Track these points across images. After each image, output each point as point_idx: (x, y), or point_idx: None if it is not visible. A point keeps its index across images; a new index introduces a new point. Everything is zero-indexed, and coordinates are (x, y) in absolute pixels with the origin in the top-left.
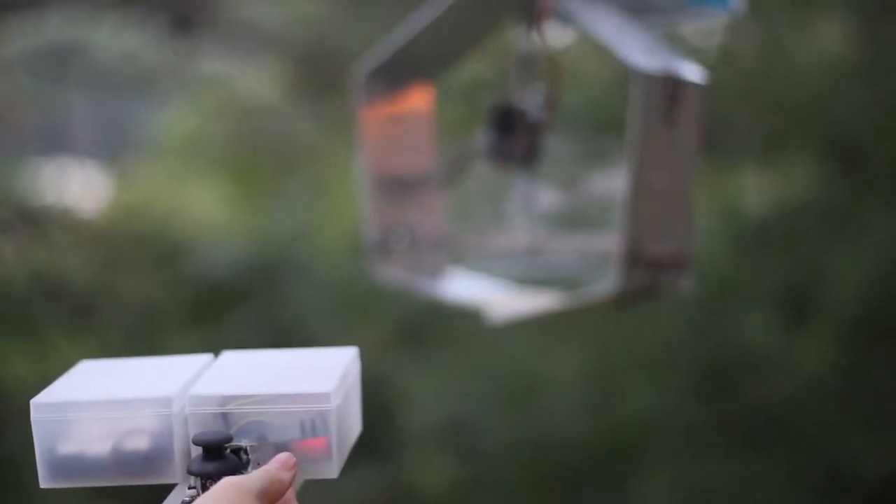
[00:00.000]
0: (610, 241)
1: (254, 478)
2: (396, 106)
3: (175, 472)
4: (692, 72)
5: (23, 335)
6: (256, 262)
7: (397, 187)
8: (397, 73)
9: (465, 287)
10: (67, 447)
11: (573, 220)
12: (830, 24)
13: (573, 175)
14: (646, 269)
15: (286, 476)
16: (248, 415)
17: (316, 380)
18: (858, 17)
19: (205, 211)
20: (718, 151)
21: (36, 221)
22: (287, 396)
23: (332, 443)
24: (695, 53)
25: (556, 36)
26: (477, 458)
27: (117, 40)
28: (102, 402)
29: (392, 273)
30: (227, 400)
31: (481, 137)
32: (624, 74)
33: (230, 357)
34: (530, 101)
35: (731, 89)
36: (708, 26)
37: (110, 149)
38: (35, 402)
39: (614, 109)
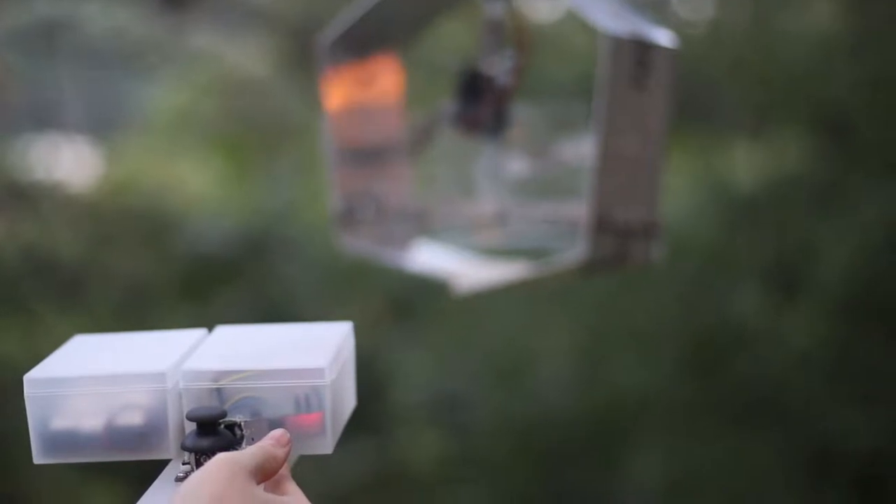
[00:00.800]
0: (579, 209)
1: (248, 454)
2: (361, 74)
3: (169, 448)
4: (662, 36)
5: (13, 311)
6: (247, 238)
7: (363, 157)
8: (362, 41)
9: (432, 258)
10: (61, 423)
11: (543, 188)
12: None
13: (543, 142)
14: (614, 237)
15: (280, 452)
16: (243, 390)
17: (310, 355)
18: None
19: (195, 186)
20: (708, 125)
21: (26, 197)
22: (281, 372)
23: (326, 418)
24: (685, 26)
25: (529, 3)
26: (467, 434)
27: (106, 15)
28: (96, 377)
29: (358, 244)
30: (220, 375)
31: (448, 105)
32: None
33: (224, 332)
34: (498, 67)
35: (721, 63)
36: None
37: (100, 124)
38: (28, 377)
39: None
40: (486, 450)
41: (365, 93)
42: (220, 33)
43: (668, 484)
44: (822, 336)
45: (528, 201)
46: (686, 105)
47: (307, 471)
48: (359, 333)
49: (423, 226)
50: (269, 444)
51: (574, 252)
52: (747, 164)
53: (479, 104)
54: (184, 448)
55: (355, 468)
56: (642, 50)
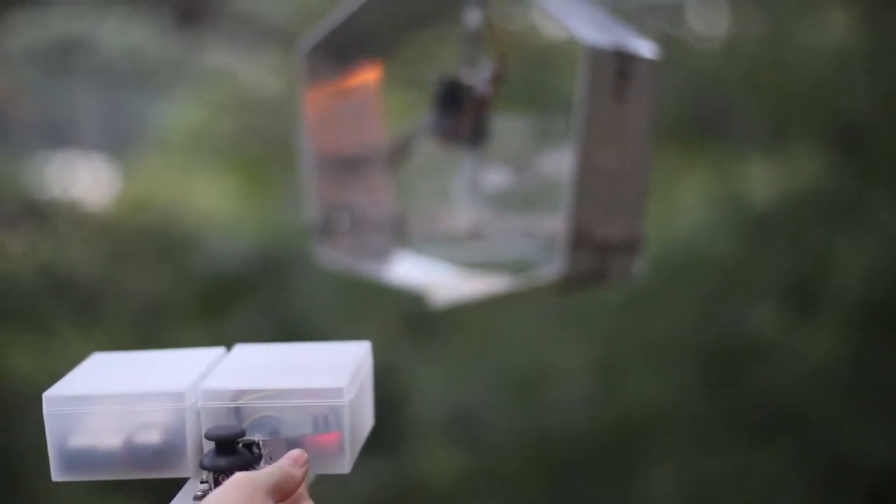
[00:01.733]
0: (557, 223)
1: (266, 474)
2: (341, 83)
3: (187, 467)
4: (644, 47)
5: (30, 328)
6: (262, 255)
7: (341, 167)
8: (341, 50)
9: (410, 270)
10: (79, 440)
11: (523, 201)
12: (836, 12)
13: (524, 154)
14: (593, 252)
15: (298, 473)
16: (261, 409)
17: (329, 375)
18: (863, 6)
19: (211, 204)
20: (724, 140)
21: (42, 215)
22: (300, 391)
23: (344, 438)
24: (700, 41)
25: (507, 10)
26: (483, 449)
27: (123, 34)
28: (115, 395)
29: (335, 256)
30: (239, 394)
31: (428, 115)
32: None
33: (242, 351)
34: (477, 76)
35: (736, 78)
36: (713, 14)
37: (116, 142)
38: (47, 395)
39: None
40: (503, 465)
41: (344, 102)
42: (235, 51)
43: (683, 498)
44: (838, 350)
45: (507, 214)
46: (701, 120)
47: (323, 487)
48: (375, 349)
49: (402, 238)
50: (286, 464)
51: (551, 267)
52: (763, 178)
53: (458, 115)
54: (202, 467)
55: (372, 484)
56: (623, 61)
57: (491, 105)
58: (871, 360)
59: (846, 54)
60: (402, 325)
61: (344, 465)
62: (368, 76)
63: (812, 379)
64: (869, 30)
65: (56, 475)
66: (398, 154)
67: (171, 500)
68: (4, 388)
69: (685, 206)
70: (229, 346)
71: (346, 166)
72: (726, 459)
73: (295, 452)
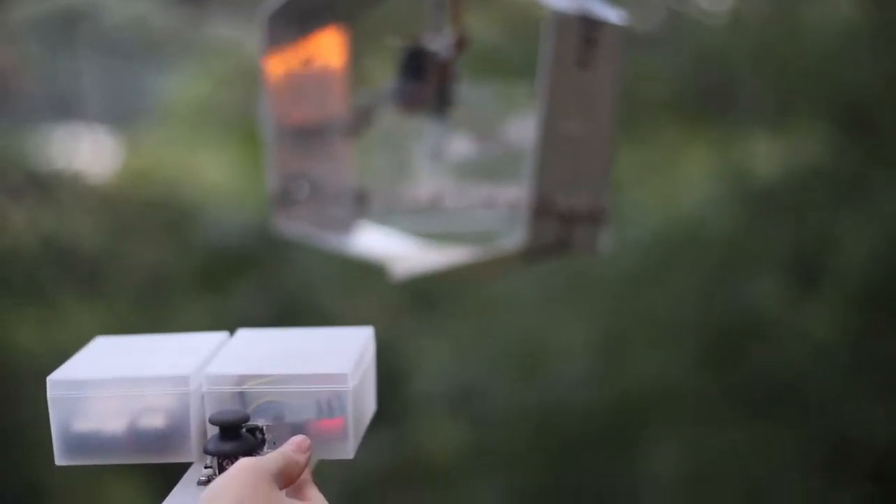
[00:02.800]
0: (520, 192)
1: (270, 459)
2: (304, 49)
3: (191, 451)
4: (611, 13)
5: (32, 302)
6: (266, 229)
7: (302, 136)
8: (304, 16)
9: (373, 241)
10: (83, 424)
11: (489, 170)
12: None
13: (489, 123)
14: (557, 222)
15: (302, 458)
16: (265, 394)
17: (333, 360)
18: None
19: (214, 177)
20: (729, 116)
21: (45, 187)
22: (304, 377)
23: (348, 423)
24: (705, 17)
25: None
26: (485, 425)
27: (126, 6)
28: (119, 379)
29: (293, 225)
30: (243, 379)
31: (391, 83)
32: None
33: (245, 335)
34: (441, 42)
35: (741, 54)
36: None
37: (119, 114)
38: (51, 379)
39: (624, 75)
40: (505, 441)
41: (307, 69)
42: (239, 23)
43: (686, 475)
44: (842, 328)
45: (468, 184)
46: (705, 95)
47: (327, 462)
48: (378, 325)
49: (365, 208)
50: (290, 449)
51: (514, 237)
52: (767, 155)
53: (421, 81)
54: (206, 452)
55: (374, 459)
56: (589, 27)
57: (455, 72)
58: (874, 338)
59: (852, 31)
60: (404, 301)
61: (347, 451)
62: (332, 43)
63: (814, 357)
64: (875, 6)
65: (59, 459)
66: (361, 123)
67: (174, 485)
68: (7, 362)
69: (689, 182)
70: (231, 320)
71: (307, 135)
72: (728, 437)
73: (298, 438)
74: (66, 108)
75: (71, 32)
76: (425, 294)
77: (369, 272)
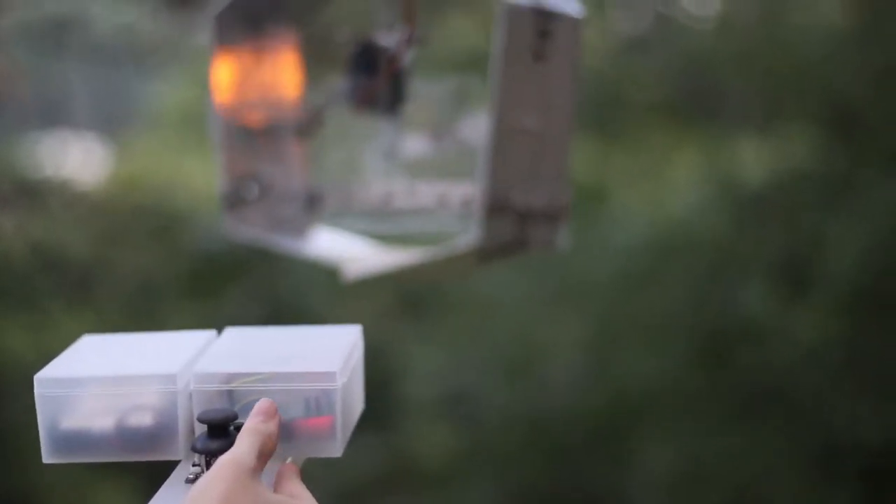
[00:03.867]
0: (474, 190)
1: (246, 449)
2: (254, 49)
3: (178, 449)
4: (567, 4)
5: (22, 308)
6: None
7: (253, 136)
8: (254, 13)
9: (327, 244)
10: (71, 422)
11: (446, 168)
12: None
13: (443, 120)
14: (513, 220)
15: (272, 426)
16: (253, 393)
17: (321, 359)
18: None
19: (203, 183)
20: (716, 120)
21: (35, 194)
22: (292, 375)
23: (336, 422)
24: (693, 21)
25: None
26: (477, 428)
27: (114, 13)
28: (106, 378)
29: (243, 228)
30: (231, 377)
31: (342, 81)
32: (621, 44)
33: (233, 333)
34: (391, 39)
35: (728, 58)
36: None
37: (108, 121)
38: (39, 377)
39: (611, 79)
40: (497, 443)
41: (257, 69)
42: None
43: (678, 476)
44: (831, 330)
45: (422, 183)
46: (694, 99)
47: (318, 466)
48: (369, 329)
49: (317, 210)
50: (259, 422)
51: (468, 236)
52: (755, 158)
53: (375, 79)
54: (194, 450)
55: (365, 462)
56: (544, 19)
57: (406, 69)
58: (863, 339)
59: (838, 34)
60: (394, 305)
61: (336, 449)
62: (283, 43)
63: (804, 358)
64: (861, 10)
65: (47, 457)
66: (313, 123)
67: (162, 483)
68: None
69: (678, 185)
70: (221, 326)
71: (257, 135)
72: (721, 438)
73: (263, 404)
74: (55, 116)
75: (60, 40)
76: (416, 298)
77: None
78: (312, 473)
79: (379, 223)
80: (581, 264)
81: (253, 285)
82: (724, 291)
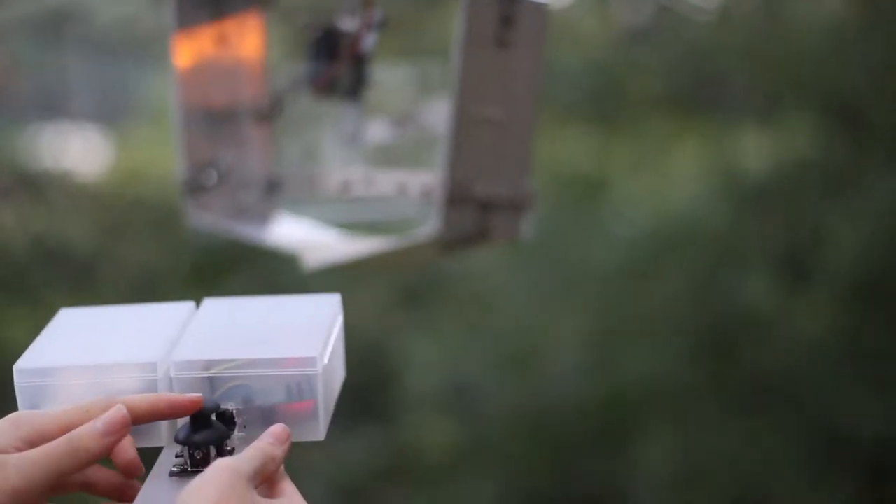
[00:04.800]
0: (434, 179)
1: (246, 459)
2: (217, 31)
3: (161, 436)
4: None
5: (23, 300)
6: None
7: (213, 121)
8: None
9: (287, 232)
10: None
11: (408, 156)
12: None
13: (405, 106)
14: (475, 210)
15: (279, 452)
16: (234, 378)
17: (301, 341)
18: None
19: None
20: (718, 112)
21: (35, 186)
22: (272, 361)
23: (318, 406)
24: (695, 12)
25: None
26: (477, 421)
27: (114, 5)
28: (86, 367)
29: (204, 216)
30: (211, 364)
31: (304, 66)
32: (623, 34)
33: (212, 308)
34: (353, 23)
35: (731, 49)
36: None
37: (109, 113)
38: (18, 367)
39: (613, 70)
40: (498, 437)
41: (220, 52)
42: None
43: (680, 470)
44: (833, 323)
45: (381, 170)
46: (696, 90)
47: (318, 457)
48: (368, 323)
49: (277, 197)
50: (267, 443)
51: (428, 227)
52: (757, 150)
53: (336, 64)
54: (177, 441)
55: (366, 455)
56: (507, 5)
57: (368, 54)
58: (867, 332)
59: (841, 25)
60: (396, 297)
61: (318, 433)
62: (246, 26)
63: (808, 351)
64: (864, 1)
65: None
66: (274, 108)
67: (147, 473)
68: None
69: (679, 177)
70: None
71: (219, 120)
72: (723, 432)
73: (277, 429)
74: (55, 108)
75: (60, 32)
76: (417, 290)
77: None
78: (312, 466)
79: (340, 211)
80: (582, 256)
81: (253, 277)
82: (726, 283)
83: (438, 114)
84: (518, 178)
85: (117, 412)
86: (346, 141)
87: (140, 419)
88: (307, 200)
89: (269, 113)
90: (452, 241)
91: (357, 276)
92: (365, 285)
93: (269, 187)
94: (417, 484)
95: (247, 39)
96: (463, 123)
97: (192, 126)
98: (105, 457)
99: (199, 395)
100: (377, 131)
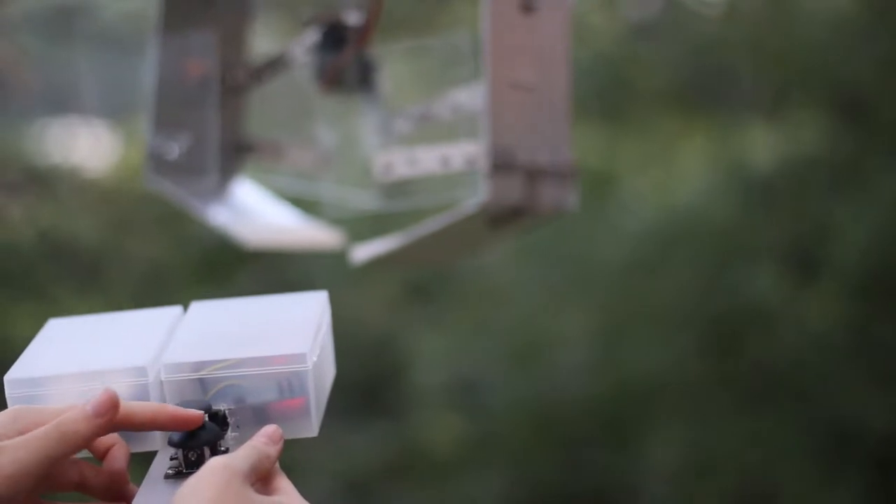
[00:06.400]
0: (477, 149)
1: (241, 457)
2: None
3: (154, 440)
4: None
5: (31, 296)
6: None
7: (187, 90)
8: None
9: (233, 206)
10: None
11: (435, 137)
12: None
13: (433, 87)
14: (520, 178)
15: (273, 451)
16: (225, 379)
17: (290, 339)
18: None
19: None
20: (725, 106)
21: (43, 181)
22: (262, 359)
23: (310, 402)
24: (702, 7)
25: None
26: (485, 416)
27: None
28: (76, 374)
29: (164, 184)
30: (201, 365)
31: (296, 46)
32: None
33: (199, 310)
34: (356, 15)
35: (738, 44)
36: None
37: (116, 108)
38: (8, 378)
39: (620, 65)
40: (505, 432)
41: (205, 25)
42: None
43: (687, 464)
44: (840, 317)
45: (418, 149)
46: (702, 85)
47: (326, 452)
48: (376, 318)
49: (244, 161)
50: (261, 443)
51: (476, 197)
52: (764, 145)
53: (341, 56)
54: (171, 444)
55: (374, 451)
56: None
57: (368, 44)
58: (874, 326)
59: (847, 20)
60: (403, 292)
61: (311, 429)
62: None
63: (815, 346)
64: None
65: None
66: (251, 81)
67: (141, 478)
68: (5, 356)
69: (686, 172)
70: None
71: (191, 89)
72: (729, 426)
73: (270, 429)
74: (63, 103)
75: (67, 26)
76: (424, 285)
77: (369, 264)
78: (319, 462)
79: (377, 198)
80: (589, 251)
81: (262, 271)
82: (733, 278)
83: (470, 92)
84: (559, 146)
85: (105, 393)
86: (377, 134)
87: (140, 426)
88: (274, 170)
89: (244, 83)
90: (501, 214)
91: (367, 272)
92: (373, 281)
93: (237, 150)
94: (425, 479)
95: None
96: (498, 90)
97: (165, 94)
98: (96, 438)
99: (202, 412)
100: (404, 124)
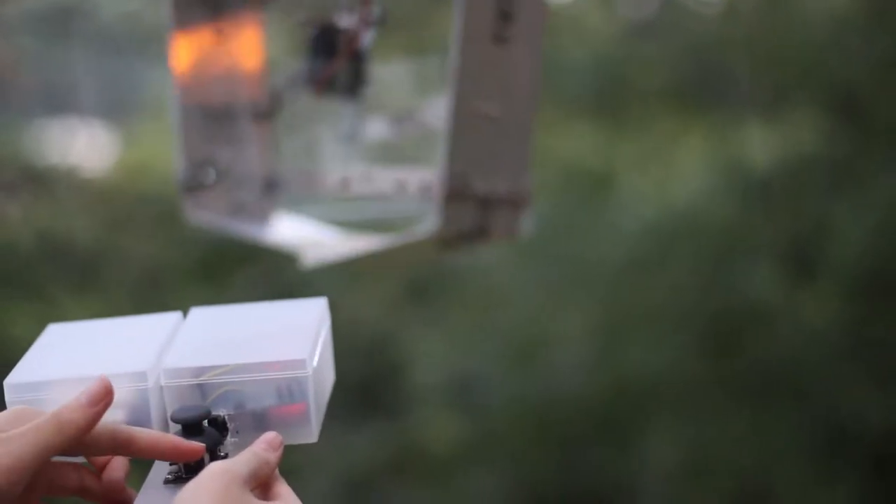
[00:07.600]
0: (433, 176)
1: (241, 462)
2: (216, 30)
3: None
4: None
5: (29, 295)
6: None
7: (213, 119)
8: None
9: (287, 230)
10: None
11: (408, 154)
12: None
13: (405, 104)
14: (474, 207)
15: (273, 457)
16: (224, 384)
17: (290, 345)
18: None
19: None
20: (723, 106)
21: (41, 181)
22: (262, 365)
23: (309, 408)
24: (700, 6)
25: None
26: (483, 415)
27: (120, 0)
28: (76, 379)
29: (205, 215)
30: (201, 371)
31: (302, 64)
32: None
33: (199, 316)
34: (351, 20)
35: (736, 43)
36: None
37: (115, 108)
38: (8, 383)
39: (618, 64)
40: (504, 431)
41: (219, 50)
42: None
43: (685, 462)
44: (837, 316)
45: (380, 168)
46: (701, 85)
47: (325, 451)
48: (375, 318)
49: (276, 195)
50: (261, 449)
51: (427, 224)
52: (762, 144)
53: (334, 61)
54: None
55: (373, 450)
56: (505, 0)
57: (366, 51)
58: (871, 324)
59: (845, 19)
60: (402, 291)
61: (311, 435)
62: (245, 24)
63: (812, 344)
64: None
65: None
66: (274, 106)
67: (141, 483)
68: (3, 356)
69: (684, 171)
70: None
71: (217, 118)
72: (728, 424)
73: (270, 435)
74: (61, 103)
75: (66, 27)
76: (423, 285)
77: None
78: (319, 461)
79: (341, 210)
80: (588, 250)
81: (260, 272)
82: (731, 276)
83: (438, 111)
84: (517, 175)
85: (99, 382)
86: (345, 139)
87: (140, 453)
88: (307, 199)
89: (268, 111)
90: (451, 238)
91: (363, 273)
92: (371, 281)
93: (267, 186)
94: (424, 477)
95: (245, 37)
96: (461, 119)
97: (191, 124)
98: (92, 427)
99: (203, 444)
100: (376, 129)
